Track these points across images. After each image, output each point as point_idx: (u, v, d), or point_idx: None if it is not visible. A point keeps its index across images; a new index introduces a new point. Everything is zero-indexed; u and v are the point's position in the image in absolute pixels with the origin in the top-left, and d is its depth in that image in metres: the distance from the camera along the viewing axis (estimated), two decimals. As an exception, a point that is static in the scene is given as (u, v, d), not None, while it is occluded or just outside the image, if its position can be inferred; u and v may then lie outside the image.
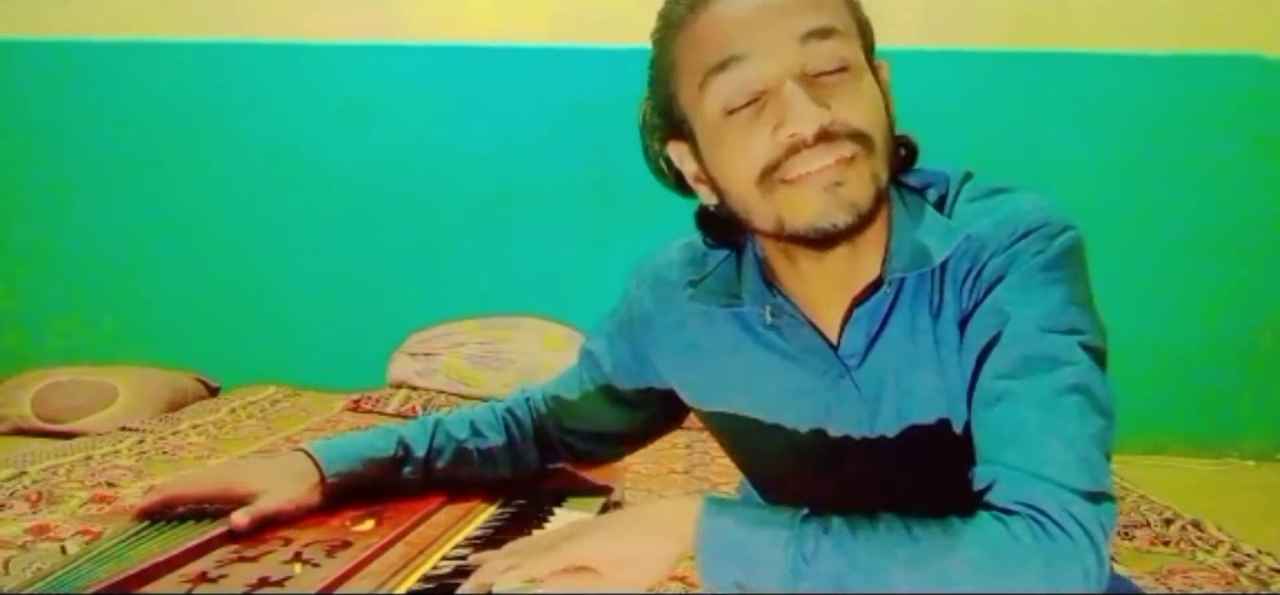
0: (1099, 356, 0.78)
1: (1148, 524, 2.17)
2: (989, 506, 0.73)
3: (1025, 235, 0.79)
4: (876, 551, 0.71)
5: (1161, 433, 3.04)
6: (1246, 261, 3.06)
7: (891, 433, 0.86)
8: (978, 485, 0.76)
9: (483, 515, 0.98)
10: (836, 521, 0.73)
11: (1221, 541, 2.06)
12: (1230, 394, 3.08)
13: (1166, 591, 1.81)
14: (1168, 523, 2.17)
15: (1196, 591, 1.82)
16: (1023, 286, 0.78)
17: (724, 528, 0.75)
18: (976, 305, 0.80)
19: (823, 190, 0.77)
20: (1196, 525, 2.15)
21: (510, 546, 0.80)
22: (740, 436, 0.97)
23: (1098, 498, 0.72)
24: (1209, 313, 3.07)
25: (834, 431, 0.88)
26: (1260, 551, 2.00)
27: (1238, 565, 1.94)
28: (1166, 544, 2.06)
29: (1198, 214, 3.06)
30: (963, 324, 0.81)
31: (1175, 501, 2.30)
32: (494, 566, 0.78)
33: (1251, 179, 3.05)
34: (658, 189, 0.93)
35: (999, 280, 0.79)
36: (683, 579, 1.71)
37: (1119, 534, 2.10)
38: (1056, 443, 0.73)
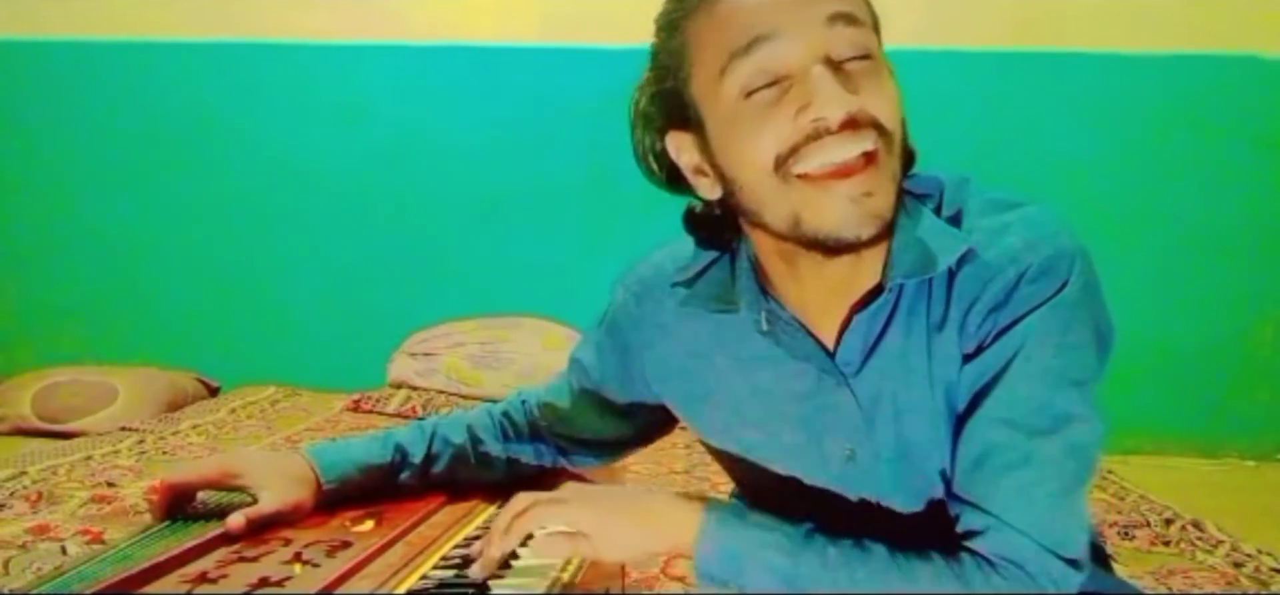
0: (1095, 390, 0.79)
1: (1148, 524, 2.17)
2: (974, 552, 0.76)
3: (1042, 273, 0.76)
4: (866, 581, 0.75)
5: (1161, 433, 3.04)
6: (1246, 261, 3.06)
7: (879, 463, 0.84)
8: (965, 525, 0.77)
9: (482, 515, 0.98)
10: (832, 552, 0.76)
11: (1221, 541, 2.06)
12: (1230, 394, 3.08)
13: (1166, 591, 1.81)
14: (1168, 523, 2.17)
15: (1196, 591, 1.82)
16: (1040, 332, 0.76)
17: (724, 541, 0.78)
18: (982, 344, 0.78)
19: (851, 201, 0.74)
20: (1196, 525, 2.15)
21: (522, 496, 0.84)
22: (729, 453, 0.96)
23: (1078, 565, 0.75)
24: (1208, 313, 3.07)
25: (823, 456, 0.87)
26: (1260, 551, 2.00)
27: (1238, 565, 1.94)
28: (1166, 544, 2.06)
29: (1198, 214, 3.06)
30: (968, 356, 0.79)
31: (1175, 501, 2.30)
32: (505, 519, 0.81)
33: (1251, 179, 3.05)
34: (657, 188, 0.90)
35: (1014, 322, 0.76)
36: (682, 579, 1.71)
37: (1119, 534, 2.10)
38: (1053, 507, 0.75)
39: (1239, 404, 3.08)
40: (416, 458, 1.04)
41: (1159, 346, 3.00)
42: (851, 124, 0.74)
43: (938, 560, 0.75)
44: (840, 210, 0.75)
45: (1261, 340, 3.08)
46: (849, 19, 0.75)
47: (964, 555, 0.76)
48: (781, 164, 0.75)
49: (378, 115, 3.30)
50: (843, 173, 0.74)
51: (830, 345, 0.84)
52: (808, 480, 0.88)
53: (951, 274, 0.79)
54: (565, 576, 0.82)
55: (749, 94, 0.76)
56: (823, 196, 0.75)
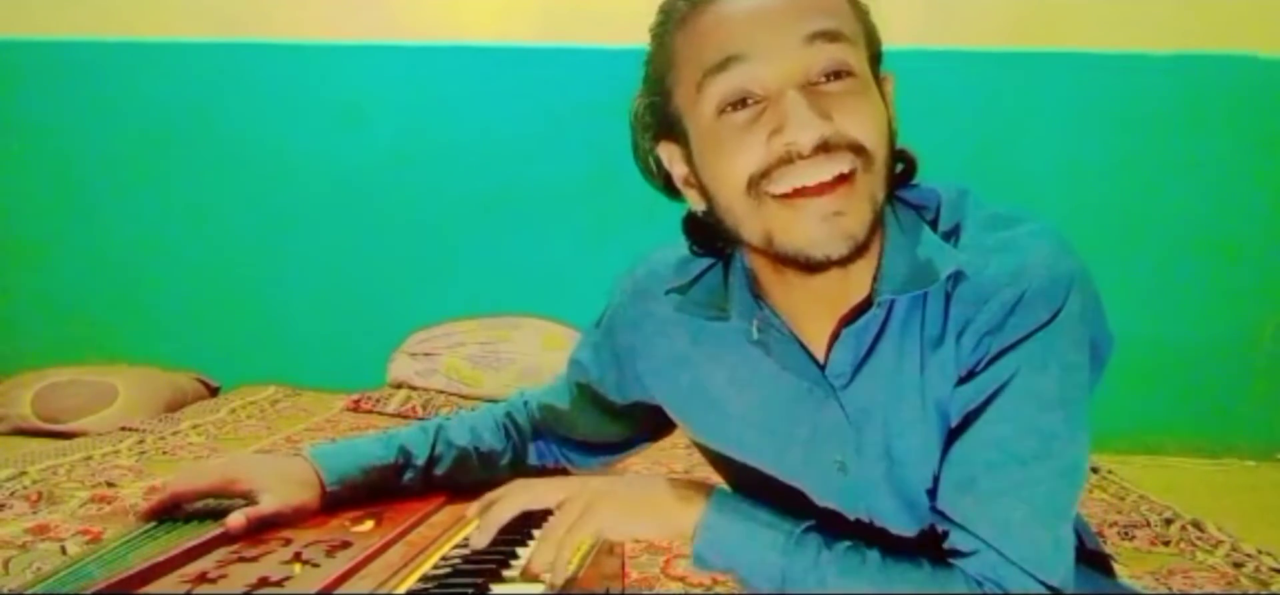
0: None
1: (1148, 524, 2.17)
2: (963, 570, 0.77)
3: (1039, 297, 0.76)
4: (856, 584, 0.76)
5: (1161, 433, 3.04)
6: (1246, 261, 3.06)
7: (870, 475, 0.84)
8: (952, 544, 0.78)
9: (483, 515, 0.98)
10: (826, 553, 0.78)
11: (1221, 541, 2.06)
12: (1230, 394, 3.08)
13: (1166, 592, 1.81)
14: (1168, 523, 2.17)
15: (1196, 592, 1.82)
16: (1034, 358, 0.75)
17: (722, 532, 0.81)
18: (976, 367, 0.77)
19: (821, 220, 0.74)
20: (1196, 525, 2.15)
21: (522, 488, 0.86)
22: (721, 457, 0.96)
23: (1059, 592, 0.76)
24: (1209, 313, 3.06)
25: (814, 466, 0.87)
26: (1260, 551, 2.00)
27: (1238, 565, 1.94)
28: (1166, 544, 2.06)
29: (1198, 214, 3.06)
30: (962, 377, 0.79)
31: (1175, 501, 2.30)
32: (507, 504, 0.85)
33: (1251, 179, 3.05)
34: (658, 192, 0.90)
35: (1009, 347, 0.76)
36: (683, 579, 1.72)
37: (1119, 534, 2.10)
38: (1038, 533, 0.76)
39: (1239, 404, 3.08)
40: (420, 459, 1.04)
41: (1159, 346, 2.99)
42: (824, 148, 0.73)
43: (926, 568, 0.78)
44: (810, 229, 0.74)
45: (1262, 340, 3.08)
46: (830, 36, 0.74)
47: (955, 572, 0.77)
48: (754, 184, 0.75)
49: (378, 115, 3.30)
50: (815, 192, 0.74)
51: (821, 356, 0.84)
52: (800, 489, 0.88)
53: (948, 291, 0.79)
54: (569, 571, 0.83)
55: (723, 112, 0.76)
56: (793, 215, 0.75)
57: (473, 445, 1.06)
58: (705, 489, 0.83)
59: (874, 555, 0.78)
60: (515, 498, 0.88)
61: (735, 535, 0.80)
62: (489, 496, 0.90)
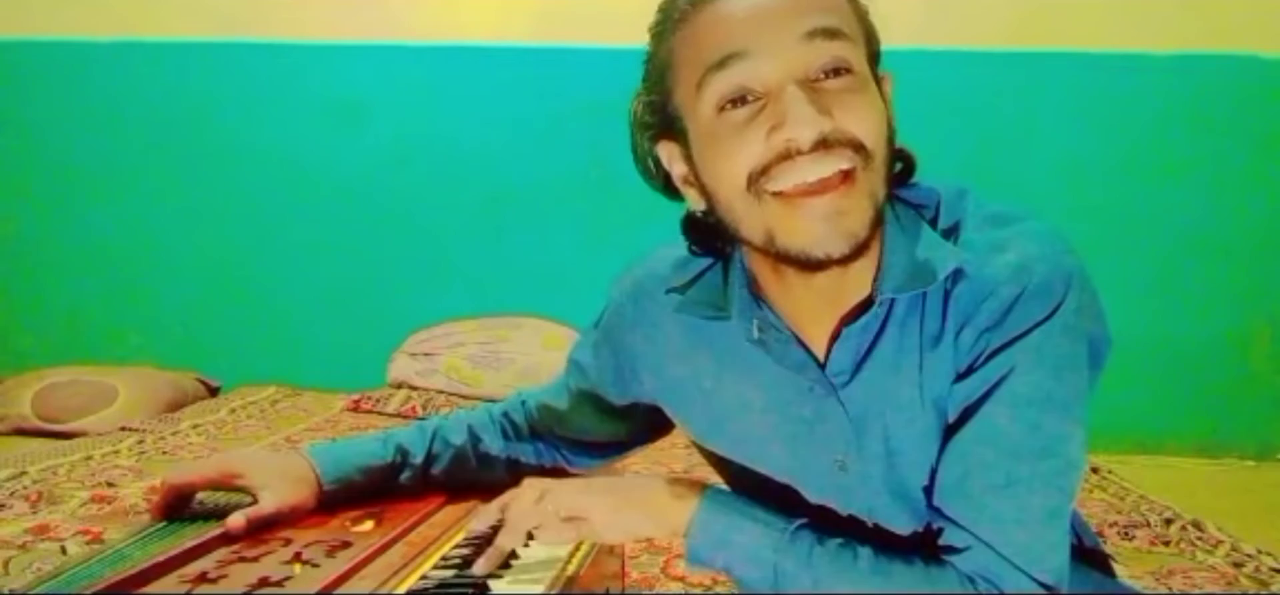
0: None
1: (1148, 524, 2.17)
2: (957, 567, 0.77)
3: (1038, 294, 0.76)
4: (847, 582, 0.77)
5: (1161, 433, 3.04)
6: (1246, 261, 3.06)
7: (869, 473, 0.84)
8: (947, 541, 0.78)
9: (483, 515, 0.98)
10: (817, 550, 0.79)
11: (1221, 541, 2.06)
12: (1230, 394, 3.08)
13: (1166, 592, 1.81)
14: (1168, 523, 2.17)
15: (1196, 592, 1.82)
16: (1031, 354, 0.75)
17: (714, 529, 0.82)
18: (974, 364, 0.77)
19: (822, 219, 0.74)
20: (1196, 525, 2.15)
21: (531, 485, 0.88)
22: (721, 456, 0.96)
23: (1054, 589, 0.77)
24: (1209, 313, 3.06)
25: (814, 465, 0.87)
26: (1260, 551, 2.00)
27: (1238, 565, 1.94)
28: (1166, 544, 2.06)
29: (1198, 214, 3.06)
30: (961, 375, 0.79)
31: (1175, 501, 2.30)
32: (520, 516, 0.85)
33: (1251, 179, 3.05)
34: (657, 192, 0.90)
35: (1007, 343, 0.76)
36: (682, 579, 1.72)
37: (1119, 534, 2.10)
38: (1033, 530, 0.76)
39: (1239, 404, 3.08)
40: (417, 458, 1.04)
41: (1159, 346, 3.00)
42: (824, 145, 0.73)
43: (919, 566, 0.78)
44: (812, 228, 0.74)
45: (1261, 340, 3.08)
46: (829, 34, 0.74)
47: (949, 570, 0.77)
48: (753, 182, 0.75)
49: (378, 115, 3.30)
50: (817, 190, 0.74)
51: (821, 355, 0.84)
52: (799, 488, 0.88)
53: (947, 290, 0.79)
54: (570, 570, 0.83)
55: (722, 110, 0.76)
56: (794, 214, 0.75)
57: (469, 444, 1.06)
58: (698, 487, 0.84)
59: (866, 553, 0.78)
60: (520, 523, 0.86)
61: (728, 532, 0.81)
62: (496, 509, 0.89)
